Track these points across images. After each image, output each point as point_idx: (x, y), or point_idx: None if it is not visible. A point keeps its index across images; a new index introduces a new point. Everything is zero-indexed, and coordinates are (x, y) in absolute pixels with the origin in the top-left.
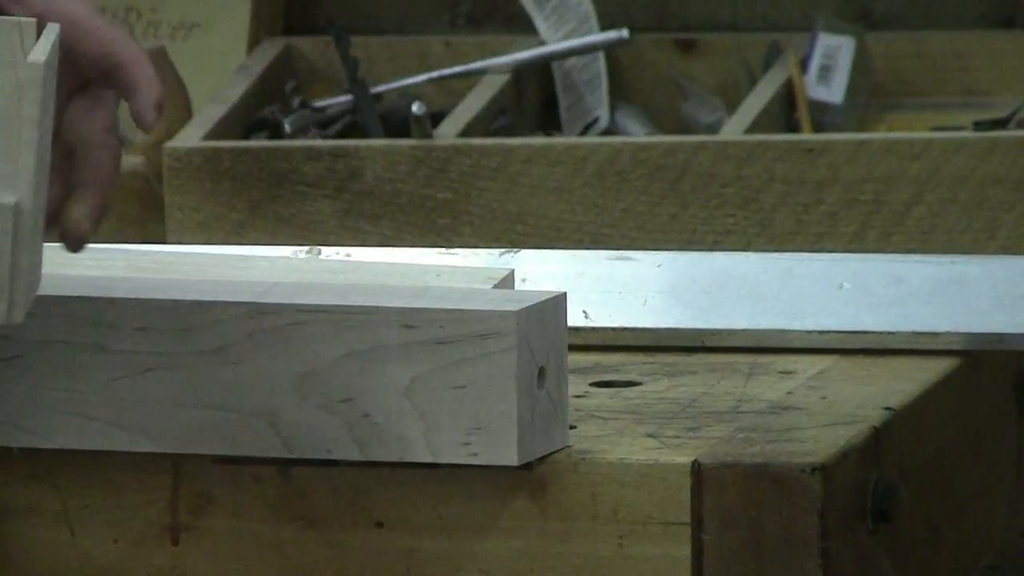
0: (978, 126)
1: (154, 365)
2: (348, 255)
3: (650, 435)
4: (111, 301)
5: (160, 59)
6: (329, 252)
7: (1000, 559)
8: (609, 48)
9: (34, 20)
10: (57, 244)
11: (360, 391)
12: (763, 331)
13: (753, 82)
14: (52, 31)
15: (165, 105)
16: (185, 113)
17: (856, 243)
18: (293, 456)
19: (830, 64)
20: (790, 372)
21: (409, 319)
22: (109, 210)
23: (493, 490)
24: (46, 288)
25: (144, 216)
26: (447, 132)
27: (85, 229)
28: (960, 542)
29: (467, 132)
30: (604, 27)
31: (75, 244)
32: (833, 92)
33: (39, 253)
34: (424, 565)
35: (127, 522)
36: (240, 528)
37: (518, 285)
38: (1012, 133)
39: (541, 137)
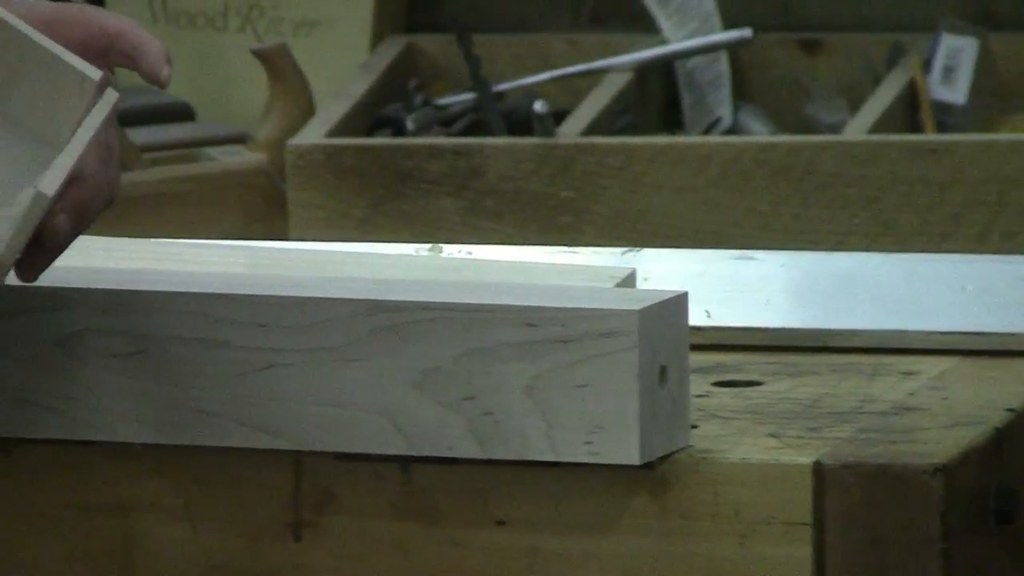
0: None
1: (276, 362)
2: (470, 253)
3: (772, 435)
4: (234, 298)
5: (282, 56)
6: (451, 250)
7: None
8: (732, 47)
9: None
10: (189, 241)
11: (481, 389)
12: (885, 332)
13: (876, 82)
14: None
15: (172, 58)
16: (308, 110)
17: (979, 244)
18: (414, 453)
19: (953, 65)
20: (912, 373)
21: (531, 318)
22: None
23: (614, 489)
24: (169, 285)
25: (268, 213)
26: (570, 131)
27: (63, 235)
28: None
29: (590, 131)
30: (727, 26)
31: (50, 249)
32: (956, 93)
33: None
34: (545, 563)
35: (249, 518)
36: (361, 525)
37: (640, 284)
38: None
39: (664, 136)
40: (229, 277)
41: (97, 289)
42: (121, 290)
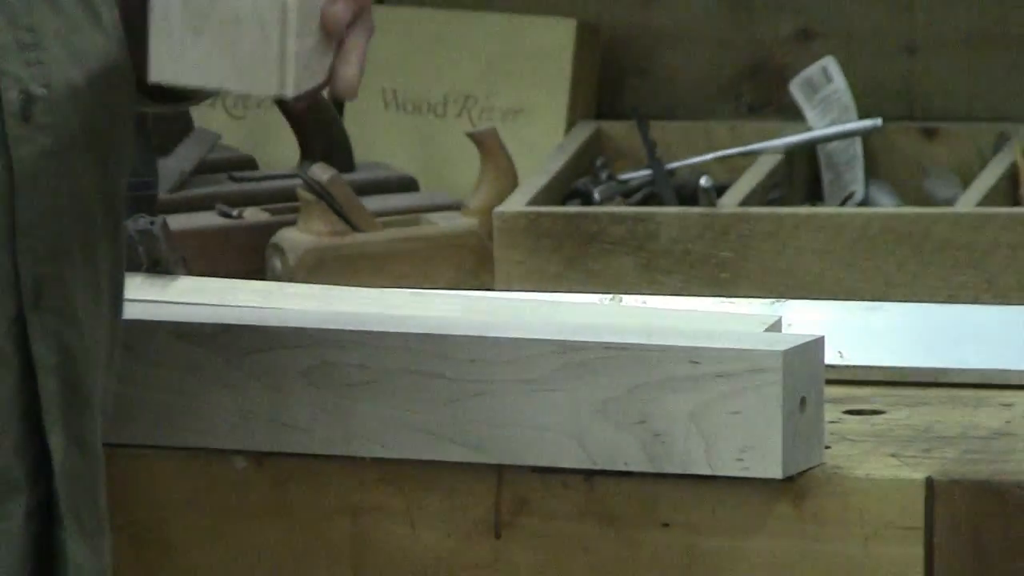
0: None
1: (484, 391)
2: (644, 302)
3: (892, 455)
4: (449, 338)
5: (493, 138)
6: (629, 300)
7: None
8: (865, 134)
9: None
10: (412, 291)
11: (653, 415)
12: (988, 370)
13: (984, 164)
14: None
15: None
16: (512, 183)
17: None
18: (596, 468)
19: None
20: (1009, 405)
21: (696, 356)
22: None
23: (761, 498)
24: (397, 326)
25: (478, 268)
26: (729, 202)
27: (353, 84)
28: None
29: (746, 202)
30: (861, 116)
31: (347, 95)
32: None
33: (308, 50)
34: (702, 560)
35: (458, 519)
36: (550, 526)
37: (785, 329)
38: None
39: (807, 208)
40: (446, 320)
41: (337, 329)
42: (356, 330)
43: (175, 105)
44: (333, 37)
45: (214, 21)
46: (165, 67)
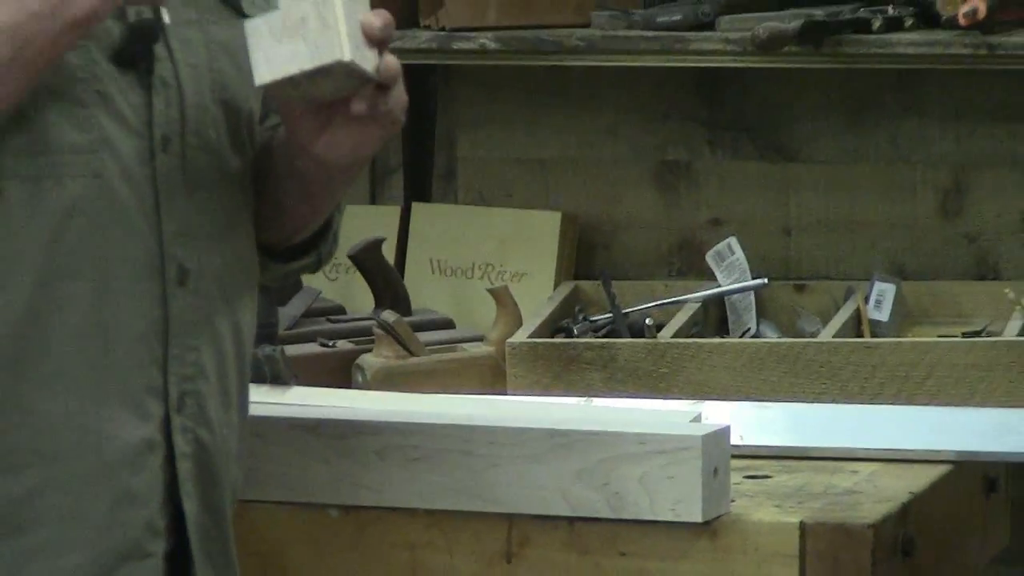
0: (965, 335)
1: (498, 463)
2: (607, 405)
3: (776, 506)
4: (476, 428)
5: (505, 293)
6: (597, 401)
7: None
8: (756, 289)
9: None
10: (450, 396)
11: (613, 478)
12: (840, 448)
13: (838, 309)
14: None
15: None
16: (518, 323)
17: (895, 398)
18: (575, 515)
19: (881, 299)
20: (855, 471)
21: (642, 439)
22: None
23: (688, 535)
24: (440, 419)
25: (495, 380)
26: (665, 335)
27: (395, 68)
28: (946, 569)
29: (676, 335)
30: (754, 277)
31: (391, 77)
32: (884, 315)
33: (356, 36)
34: None
35: (481, 551)
36: (545, 555)
37: (703, 421)
38: (985, 339)
39: (718, 339)
40: (474, 416)
41: (399, 422)
42: (413, 423)
43: (290, 265)
44: (373, 41)
45: (288, 27)
46: (263, 71)
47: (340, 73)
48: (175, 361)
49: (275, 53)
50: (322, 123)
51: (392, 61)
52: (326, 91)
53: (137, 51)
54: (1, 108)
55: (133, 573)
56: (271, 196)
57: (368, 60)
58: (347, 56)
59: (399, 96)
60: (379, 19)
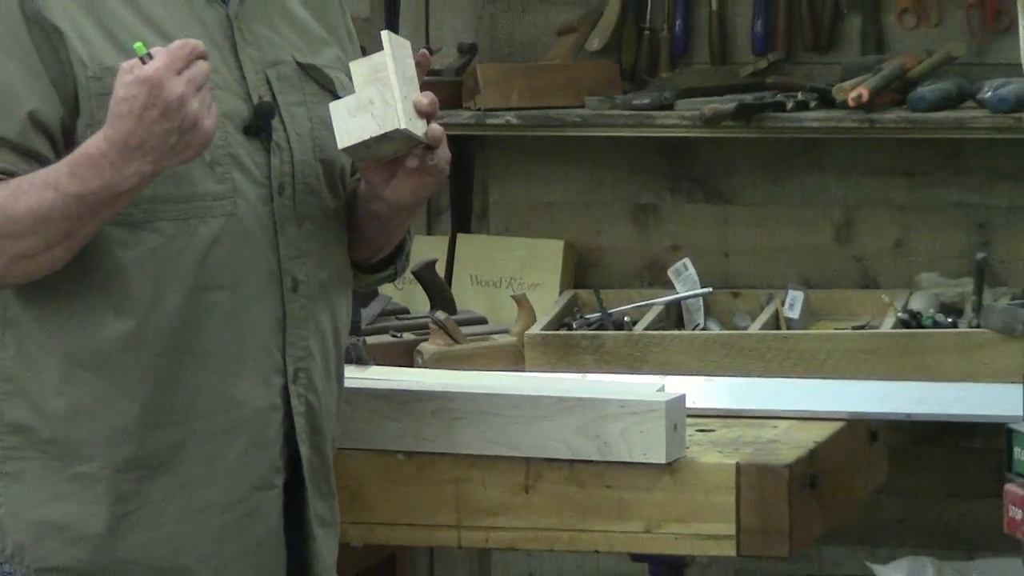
0: (854, 328)
1: (518, 421)
2: (597, 379)
3: (719, 451)
4: (502, 396)
5: (524, 298)
6: (591, 376)
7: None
8: (704, 295)
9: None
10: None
11: (602, 432)
12: (764, 409)
13: (763, 309)
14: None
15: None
16: (533, 320)
17: (804, 374)
18: (575, 458)
19: (793, 303)
20: (775, 427)
21: (623, 404)
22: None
23: (655, 472)
24: (477, 390)
25: (517, 361)
26: (638, 329)
27: (440, 134)
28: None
29: (647, 329)
30: (703, 286)
31: (437, 140)
32: (795, 314)
33: (410, 111)
34: (627, 503)
35: (507, 483)
36: (552, 488)
37: (666, 391)
38: (868, 331)
39: (676, 331)
40: (502, 387)
41: (447, 391)
42: (457, 392)
43: (374, 276)
44: (422, 114)
45: (360, 107)
46: (343, 139)
47: (398, 138)
48: (291, 347)
49: (352, 125)
50: (388, 175)
51: (437, 128)
52: (388, 152)
53: (260, 124)
54: (65, 258)
55: (261, 500)
56: (357, 228)
57: (419, 127)
58: (402, 125)
59: (444, 154)
60: (426, 98)
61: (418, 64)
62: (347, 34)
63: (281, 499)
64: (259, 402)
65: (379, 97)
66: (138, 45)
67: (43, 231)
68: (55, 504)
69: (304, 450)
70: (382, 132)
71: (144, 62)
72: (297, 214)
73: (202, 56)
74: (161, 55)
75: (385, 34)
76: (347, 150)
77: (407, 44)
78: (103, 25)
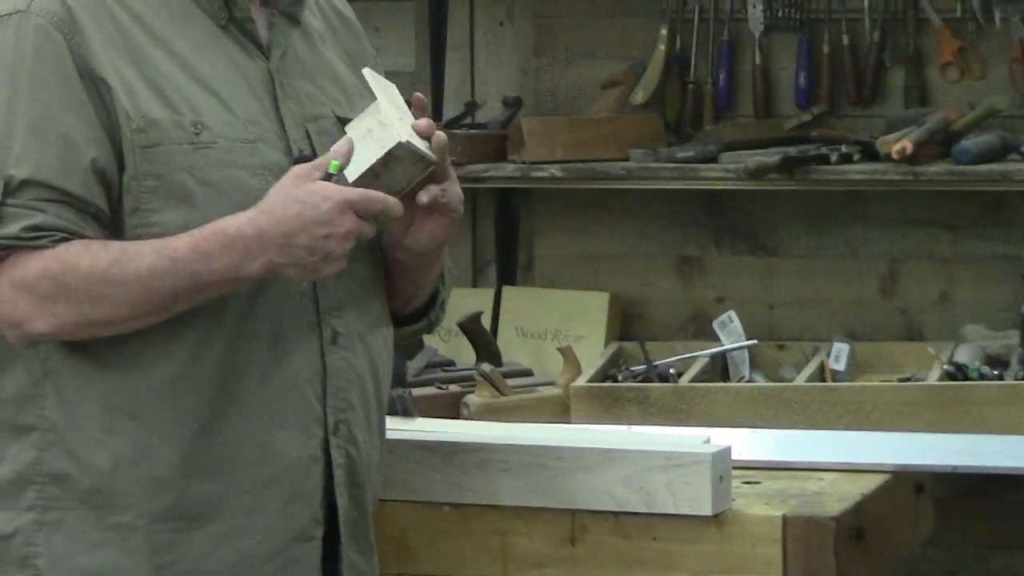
0: (899, 380)
1: (565, 472)
2: (643, 431)
3: (765, 503)
4: (549, 447)
5: (570, 351)
6: (636, 429)
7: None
8: (749, 347)
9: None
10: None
11: (648, 483)
12: (810, 461)
13: (808, 362)
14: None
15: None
16: (578, 373)
17: (849, 426)
18: (620, 510)
19: (839, 355)
20: (821, 479)
21: (668, 456)
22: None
23: (700, 524)
24: (524, 442)
25: (562, 414)
26: (684, 381)
27: (444, 141)
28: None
29: (692, 381)
30: (747, 339)
31: (441, 148)
32: (841, 366)
33: (408, 130)
34: (673, 555)
35: (553, 535)
36: (598, 539)
37: (712, 443)
38: (913, 384)
39: (721, 383)
40: (548, 438)
41: (493, 444)
42: (503, 444)
43: (410, 328)
44: (423, 136)
45: (361, 137)
46: (352, 171)
47: (404, 156)
48: (331, 398)
49: (358, 157)
50: (407, 222)
51: (440, 136)
52: (400, 180)
53: None
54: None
55: (300, 552)
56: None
57: (422, 144)
58: (403, 138)
59: (455, 192)
60: (425, 121)
61: (413, 104)
62: None
63: (320, 551)
64: (299, 453)
65: (376, 123)
66: (334, 164)
67: (145, 300)
68: (94, 554)
69: (342, 502)
70: (386, 151)
71: (328, 179)
72: None
73: (384, 214)
74: (360, 192)
75: (367, 71)
76: (359, 182)
77: (393, 85)
78: (148, 78)
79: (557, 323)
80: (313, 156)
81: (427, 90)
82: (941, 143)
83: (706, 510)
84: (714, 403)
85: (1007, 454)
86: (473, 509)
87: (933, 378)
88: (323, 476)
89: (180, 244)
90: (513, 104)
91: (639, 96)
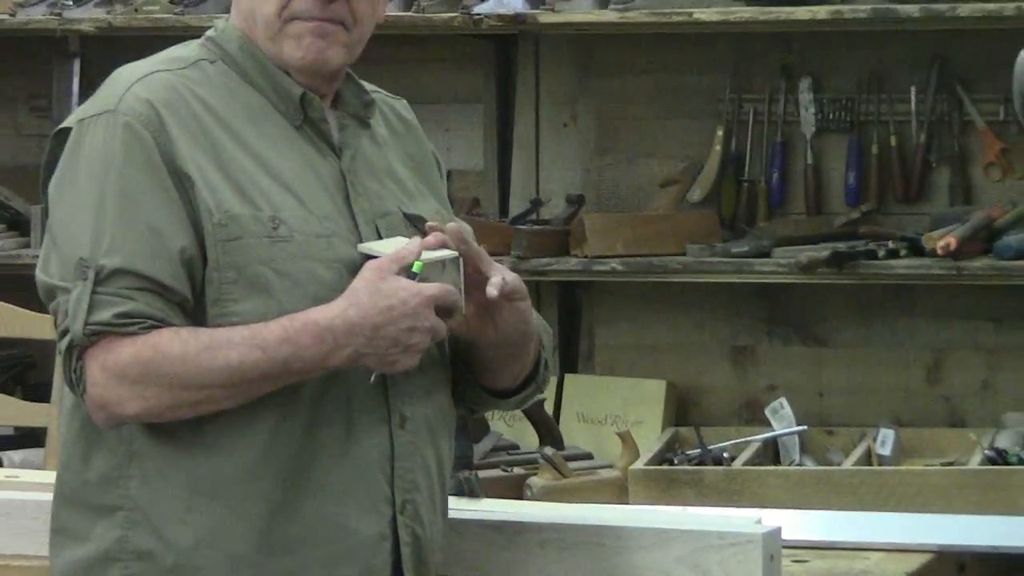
0: (943, 464)
1: (621, 551)
2: (698, 511)
3: None
4: (606, 527)
5: (628, 436)
6: (690, 509)
7: None
8: (799, 433)
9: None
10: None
11: (702, 562)
12: (854, 541)
13: (854, 447)
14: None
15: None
16: (636, 456)
17: (895, 508)
18: None
19: (885, 441)
20: (867, 558)
21: (722, 535)
22: None
23: None
24: (582, 522)
25: (621, 495)
26: (737, 464)
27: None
28: None
29: (745, 464)
30: (798, 424)
31: (458, 239)
32: (887, 451)
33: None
34: None
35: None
36: None
37: (763, 523)
38: (956, 468)
39: (772, 467)
40: (604, 519)
41: (562, 523)
42: (563, 523)
43: (522, 395)
44: (431, 247)
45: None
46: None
47: (432, 267)
48: (399, 479)
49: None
50: (485, 321)
51: (452, 226)
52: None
53: None
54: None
55: None
56: (491, 366)
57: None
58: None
59: (512, 277)
60: (433, 236)
61: (432, 228)
62: (445, 195)
63: None
64: (370, 531)
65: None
66: (418, 265)
67: (235, 387)
68: None
69: None
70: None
71: (411, 276)
72: None
73: (457, 308)
74: (440, 287)
75: (362, 246)
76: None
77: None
78: (228, 175)
79: (616, 409)
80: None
81: (494, 188)
82: (984, 239)
83: None
84: (766, 485)
85: None
86: None
87: (975, 463)
88: (391, 554)
89: (270, 334)
90: (576, 201)
91: (696, 194)
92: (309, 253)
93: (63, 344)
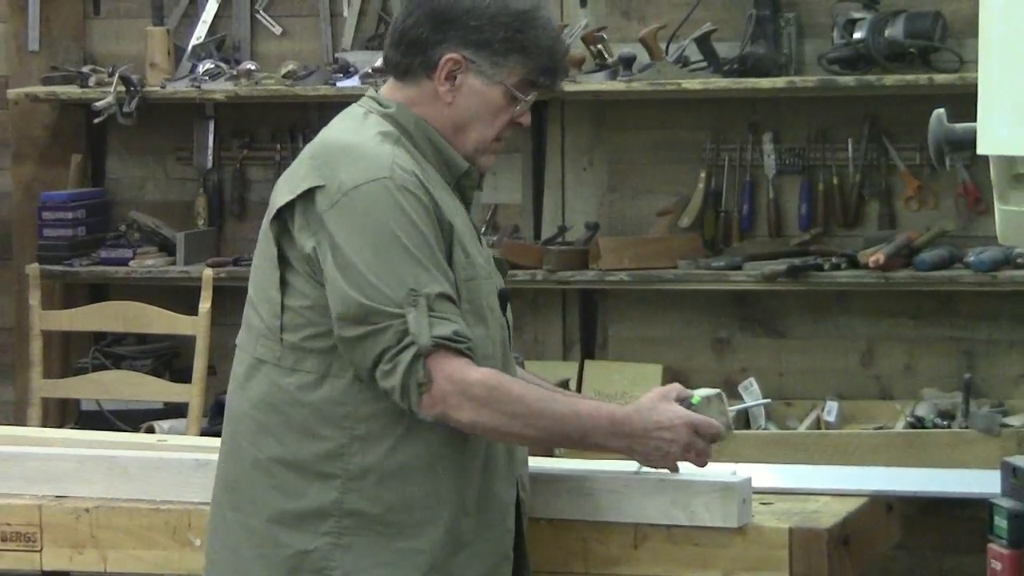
0: (875, 429)
1: (629, 495)
2: (686, 466)
3: (777, 519)
4: (618, 477)
5: None
6: (682, 465)
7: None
8: (765, 405)
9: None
10: None
11: (691, 505)
12: (810, 488)
13: (808, 415)
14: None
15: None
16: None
17: (839, 463)
18: (672, 523)
19: (831, 411)
20: (817, 500)
21: (715, 484)
22: None
23: (729, 533)
24: (608, 474)
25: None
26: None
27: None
28: (866, 553)
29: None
30: (764, 398)
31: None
32: (832, 419)
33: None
34: (708, 556)
35: (618, 542)
36: (655, 545)
37: (738, 474)
38: (885, 431)
39: (744, 431)
40: (616, 471)
41: (582, 475)
42: (589, 474)
43: None
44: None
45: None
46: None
47: (716, 400)
48: (519, 475)
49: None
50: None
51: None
52: (718, 418)
53: (503, 307)
54: None
55: (506, 567)
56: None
57: (726, 415)
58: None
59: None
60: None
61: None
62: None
63: (512, 563)
64: (510, 499)
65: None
66: (696, 399)
67: (543, 432)
68: (381, 570)
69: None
70: (716, 392)
71: (687, 406)
72: None
73: (717, 439)
74: (703, 418)
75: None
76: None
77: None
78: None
79: (625, 387)
80: (507, 291)
81: (530, 217)
82: (906, 255)
83: (733, 523)
84: (740, 445)
85: (955, 483)
86: (564, 523)
87: (899, 427)
88: (516, 509)
89: (583, 408)
90: (593, 228)
91: (685, 221)
92: (491, 291)
93: (407, 354)
